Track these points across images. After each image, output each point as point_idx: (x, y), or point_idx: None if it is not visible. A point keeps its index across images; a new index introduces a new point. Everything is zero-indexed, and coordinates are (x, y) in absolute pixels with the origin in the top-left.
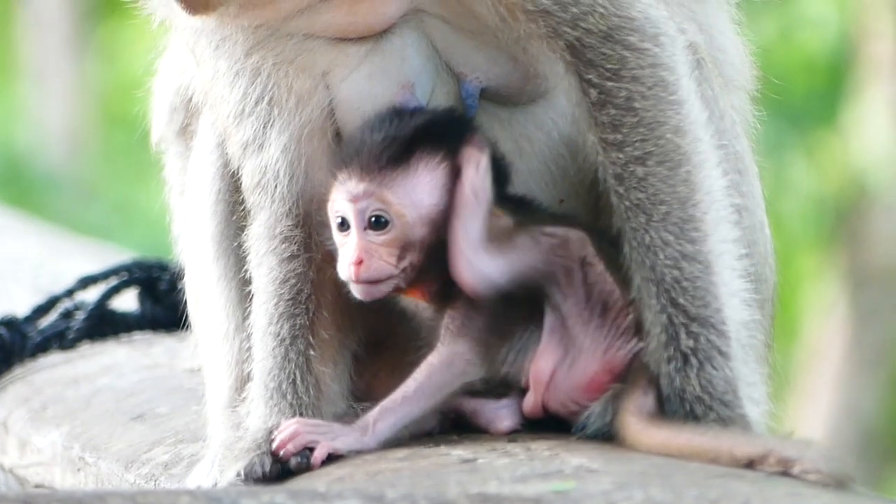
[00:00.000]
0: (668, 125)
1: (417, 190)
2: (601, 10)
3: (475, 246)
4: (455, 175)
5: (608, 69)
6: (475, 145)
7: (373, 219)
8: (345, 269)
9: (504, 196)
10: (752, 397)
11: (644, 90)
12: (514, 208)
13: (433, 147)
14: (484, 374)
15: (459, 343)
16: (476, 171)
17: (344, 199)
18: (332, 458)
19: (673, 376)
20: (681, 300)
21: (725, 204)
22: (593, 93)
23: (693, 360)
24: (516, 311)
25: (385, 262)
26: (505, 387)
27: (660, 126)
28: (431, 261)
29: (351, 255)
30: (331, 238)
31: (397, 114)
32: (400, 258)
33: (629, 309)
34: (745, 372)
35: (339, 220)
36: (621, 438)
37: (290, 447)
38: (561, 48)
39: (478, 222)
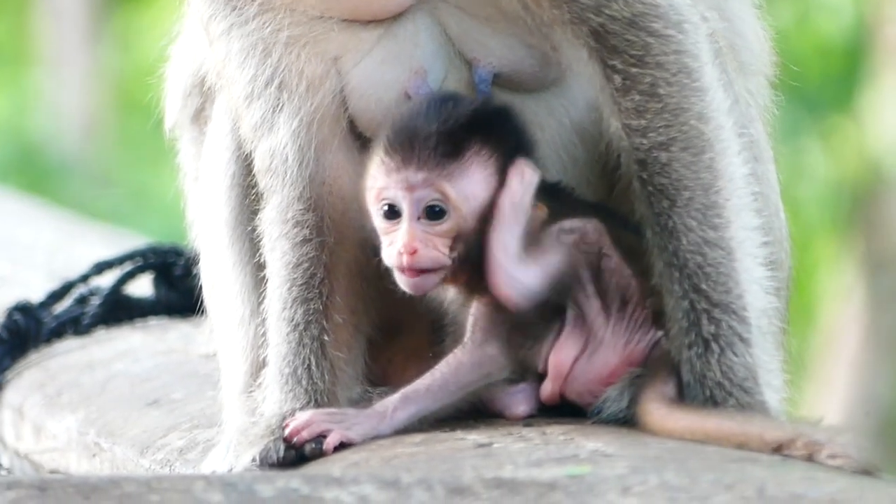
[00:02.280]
0: (692, 112)
1: (473, 183)
2: None
3: (513, 259)
4: (499, 173)
5: (632, 55)
6: (527, 162)
7: (429, 208)
8: (394, 257)
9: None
10: (772, 384)
11: (668, 76)
12: (547, 197)
13: (485, 139)
14: (509, 374)
15: (491, 344)
16: (520, 185)
17: (399, 187)
18: (346, 444)
19: (694, 362)
20: (703, 286)
21: (747, 192)
22: (617, 79)
23: (714, 346)
24: (542, 307)
25: (439, 252)
26: (521, 370)
27: (684, 112)
28: (472, 251)
29: (405, 244)
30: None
31: (449, 101)
32: (452, 248)
33: (648, 301)
34: (764, 359)
35: (387, 207)
36: (644, 425)
37: (305, 434)
38: (585, 34)
39: (516, 235)
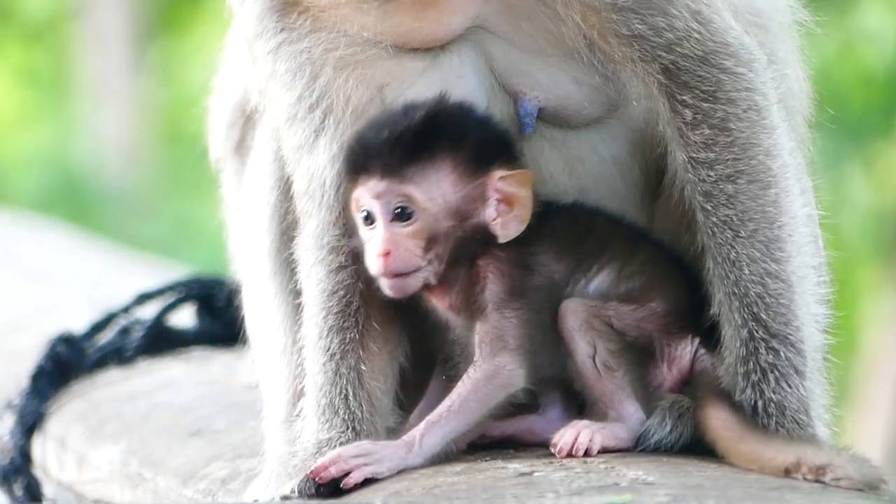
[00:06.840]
0: (761, 147)
1: (441, 182)
2: (696, 35)
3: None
4: (470, 170)
5: (704, 91)
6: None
7: (398, 210)
8: (372, 263)
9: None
10: (823, 418)
11: (739, 112)
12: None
13: (444, 139)
14: (528, 384)
15: (501, 356)
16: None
17: (369, 196)
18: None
19: (749, 391)
20: (763, 316)
21: (808, 232)
22: (688, 113)
23: (770, 376)
24: (545, 316)
25: (412, 254)
26: (539, 381)
27: (752, 147)
28: (459, 253)
29: (378, 248)
30: (359, 239)
31: (406, 109)
32: (426, 250)
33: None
34: (817, 392)
35: (365, 213)
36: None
37: (333, 471)
38: (655, 71)
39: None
